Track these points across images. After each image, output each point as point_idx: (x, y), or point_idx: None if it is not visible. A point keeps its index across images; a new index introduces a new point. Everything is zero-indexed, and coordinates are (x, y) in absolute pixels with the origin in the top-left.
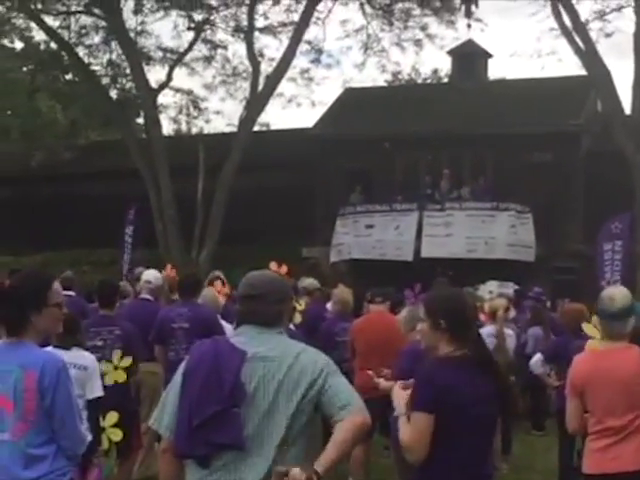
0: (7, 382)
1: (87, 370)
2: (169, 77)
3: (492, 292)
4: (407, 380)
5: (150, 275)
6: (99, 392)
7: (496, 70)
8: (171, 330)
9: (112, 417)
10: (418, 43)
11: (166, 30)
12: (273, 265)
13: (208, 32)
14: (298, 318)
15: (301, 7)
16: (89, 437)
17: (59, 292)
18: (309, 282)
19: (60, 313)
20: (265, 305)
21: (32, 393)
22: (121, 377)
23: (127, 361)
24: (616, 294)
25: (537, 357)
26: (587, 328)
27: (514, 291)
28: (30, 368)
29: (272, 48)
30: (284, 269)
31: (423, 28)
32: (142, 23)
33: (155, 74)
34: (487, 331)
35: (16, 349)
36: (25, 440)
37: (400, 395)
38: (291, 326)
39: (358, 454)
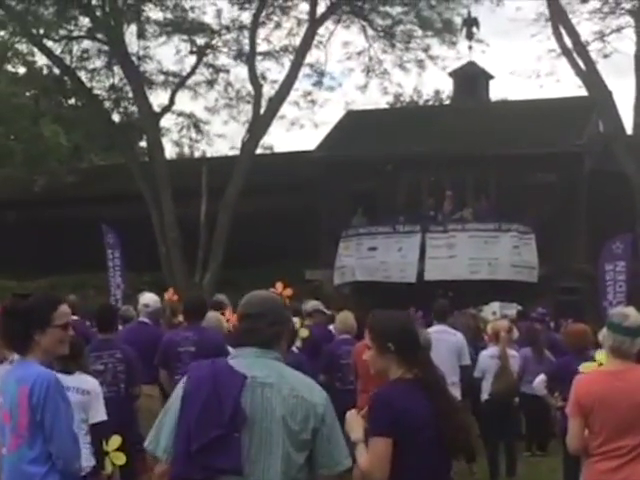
0: (8, 397)
1: (90, 394)
2: (171, 101)
3: (495, 313)
4: None
5: (148, 299)
6: (102, 416)
7: (498, 91)
8: (177, 354)
9: (115, 441)
10: (420, 64)
11: (168, 54)
12: (278, 286)
13: (210, 56)
14: (305, 333)
15: (302, 31)
16: (92, 461)
17: (66, 314)
18: (311, 304)
19: (65, 335)
20: (262, 325)
21: (24, 408)
22: (120, 459)
23: (116, 441)
24: (630, 311)
25: (540, 378)
26: (598, 355)
27: (516, 312)
28: (23, 384)
29: (274, 71)
30: (288, 291)
31: (425, 49)
32: (145, 48)
33: (157, 98)
34: (490, 352)
35: (19, 366)
36: (18, 454)
37: (356, 421)
38: (294, 349)
39: (359, 475)
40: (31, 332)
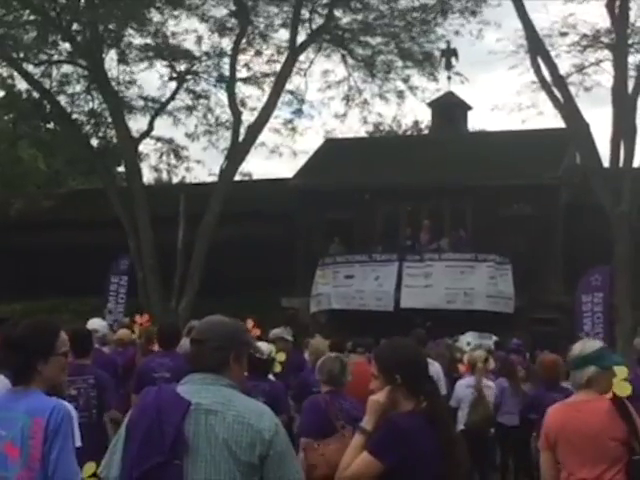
0: (14, 429)
1: None
2: (150, 126)
3: (470, 343)
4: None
5: (96, 324)
6: (77, 442)
7: (476, 122)
8: (152, 380)
9: (90, 468)
10: (400, 95)
11: (148, 79)
12: (249, 322)
13: (190, 82)
14: (278, 367)
15: (283, 58)
16: None
17: (65, 341)
18: (273, 332)
19: (66, 362)
20: (209, 350)
21: (39, 441)
22: None
23: (91, 468)
24: (578, 344)
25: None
26: None
27: (494, 343)
28: (37, 415)
29: (254, 98)
30: (257, 331)
31: (405, 80)
32: (124, 72)
33: (137, 123)
34: (466, 382)
35: (23, 397)
36: None
37: (374, 407)
38: (271, 376)
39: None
40: (34, 362)
